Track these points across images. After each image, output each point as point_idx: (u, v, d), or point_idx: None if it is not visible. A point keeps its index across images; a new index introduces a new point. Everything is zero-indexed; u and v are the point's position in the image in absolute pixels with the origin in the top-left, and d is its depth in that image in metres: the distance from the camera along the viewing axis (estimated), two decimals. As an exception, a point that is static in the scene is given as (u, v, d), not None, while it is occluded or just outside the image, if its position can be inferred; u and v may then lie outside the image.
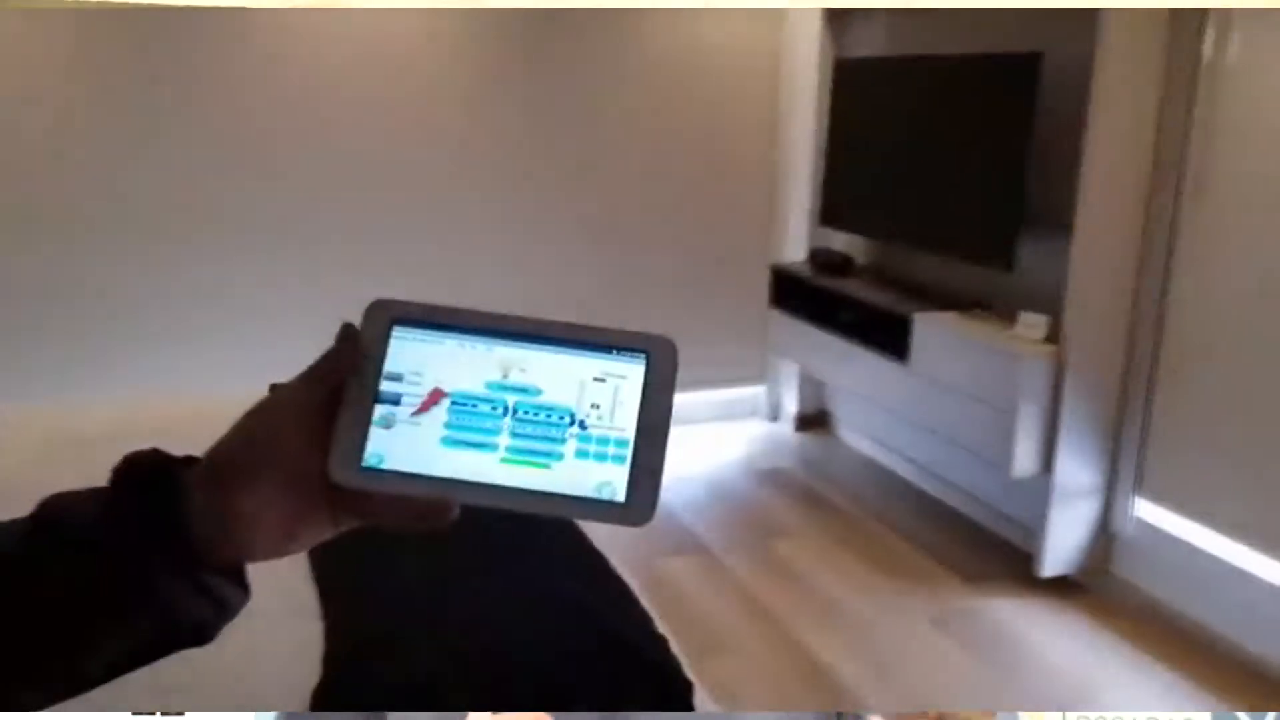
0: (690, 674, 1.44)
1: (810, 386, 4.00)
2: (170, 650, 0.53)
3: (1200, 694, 2.33)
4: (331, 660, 1.39)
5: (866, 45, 3.54)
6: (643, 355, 0.54)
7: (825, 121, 3.60)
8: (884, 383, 3.14)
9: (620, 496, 0.53)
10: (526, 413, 0.54)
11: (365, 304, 0.56)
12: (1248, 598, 2.40)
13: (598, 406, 0.54)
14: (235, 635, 0.57)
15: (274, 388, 0.55)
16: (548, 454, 0.53)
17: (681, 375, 0.54)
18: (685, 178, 3.83)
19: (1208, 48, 2.37)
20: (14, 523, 0.52)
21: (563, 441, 0.53)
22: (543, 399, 0.54)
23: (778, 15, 3.76)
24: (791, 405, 4.06)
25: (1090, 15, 2.43)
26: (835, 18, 3.59)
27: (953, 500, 3.32)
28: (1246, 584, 2.40)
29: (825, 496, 3.45)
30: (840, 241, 3.67)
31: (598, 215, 3.76)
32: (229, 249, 3.33)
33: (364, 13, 3.29)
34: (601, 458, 0.53)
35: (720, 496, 3.46)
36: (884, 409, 3.17)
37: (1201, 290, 2.47)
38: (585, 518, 0.54)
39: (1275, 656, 2.33)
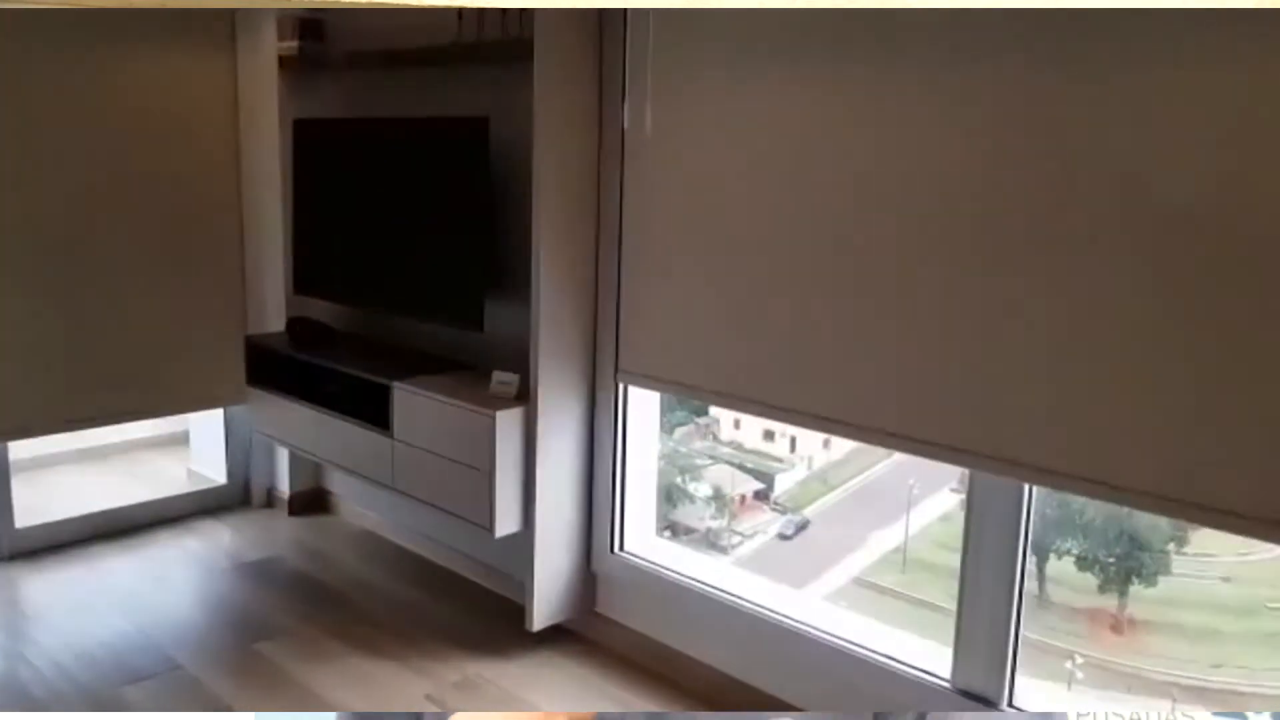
0: None
1: (305, 466, 3.75)
2: None
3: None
4: None
5: (324, 105, 3.43)
6: None
7: (290, 183, 3.42)
8: (371, 454, 3.00)
9: None
10: None
11: None
12: (714, 623, 2.60)
13: None
14: None
15: None
16: None
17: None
18: (153, 250, 3.37)
19: (626, 118, 2.59)
20: None
21: None
22: None
23: (233, 71, 3.50)
24: (283, 488, 3.77)
25: (528, 84, 2.53)
26: (288, 74, 3.43)
27: (453, 564, 3.27)
28: (706, 605, 2.60)
29: (320, 582, 3.21)
30: (321, 310, 3.49)
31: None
32: None
33: None
34: None
35: (198, 602, 3.09)
36: (375, 482, 3.04)
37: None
38: None
39: (734, 668, 2.55)
